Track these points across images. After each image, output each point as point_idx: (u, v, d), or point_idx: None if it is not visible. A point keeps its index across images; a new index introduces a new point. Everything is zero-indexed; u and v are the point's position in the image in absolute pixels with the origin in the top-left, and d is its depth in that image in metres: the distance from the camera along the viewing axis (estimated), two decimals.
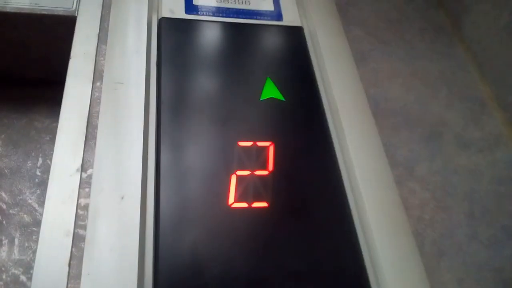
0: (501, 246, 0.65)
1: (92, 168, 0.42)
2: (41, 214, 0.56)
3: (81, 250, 0.38)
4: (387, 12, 0.93)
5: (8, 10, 0.55)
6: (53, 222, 0.40)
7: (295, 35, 0.59)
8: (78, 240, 0.39)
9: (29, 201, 0.58)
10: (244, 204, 0.44)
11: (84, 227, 0.39)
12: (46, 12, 0.56)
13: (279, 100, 0.52)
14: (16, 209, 0.57)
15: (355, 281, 0.42)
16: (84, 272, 0.37)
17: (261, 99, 0.51)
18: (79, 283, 0.37)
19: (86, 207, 0.41)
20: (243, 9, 0.59)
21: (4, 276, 0.52)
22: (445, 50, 0.89)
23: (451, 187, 0.70)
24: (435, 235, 0.64)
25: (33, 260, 0.52)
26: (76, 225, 0.40)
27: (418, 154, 0.73)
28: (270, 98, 0.52)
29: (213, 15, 0.57)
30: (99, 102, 0.47)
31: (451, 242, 0.64)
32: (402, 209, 0.47)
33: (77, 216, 0.40)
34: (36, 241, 0.55)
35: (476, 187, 0.71)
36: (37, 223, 0.56)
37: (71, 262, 0.38)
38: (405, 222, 0.46)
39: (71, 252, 0.38)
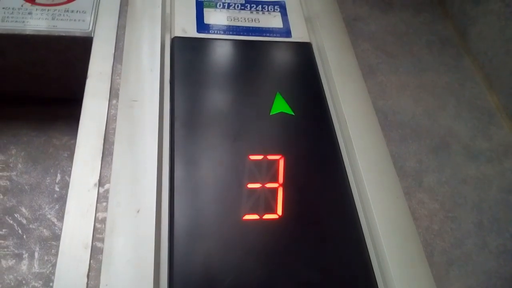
0: (510, 255, 0.65)
1: (109, 183, 0.44)
2: (60, 229, 0.58)
3: (99, 262, 0.39)
4: (394, 26, 0.94)
5: (27, 32, 0.57)
6: (72, 235, 0.41)
7: (303, 50, 0.60)
8: (96, 253, 0.40)
9: (48, 216, 0.59)
10: (255, 216, 0.45)
11: (101, 240, 0.41)
12: (63, 34, 0.58)
13: (289, 114, 0.53)
14: (35, 223, 0.59)
15: None
16: (102, 283, 0.38)
17: (271, 113, 0.52)
18: None
19: (103, 221, 0.42)
20: (252, 27, 0.61)
21: None
22: (452, 62, 0.89)
23: (460, 197, 0.70)
24: (445, 244, 0.64)
25: (53, 273, 0.54)
26: (94, 238, 0.41)
27: (426, 165, 0.73)
28: (280, 112, 0.53)
29: (224, 33, 0.59)
30: (115, 119, 0.48)
31: (460, 252, 0.64)
32: (411, 220, 0.47)
33: (95, 229, 0.41)
34: (55, 255, 0.56)
35: (485, 197, 0.70)
36: (56, 237, 0.57)
37: (90, 273, 0.39)
38: (414, 232, 0.47)
39: (90, 264, 0.39)
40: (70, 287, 0.38)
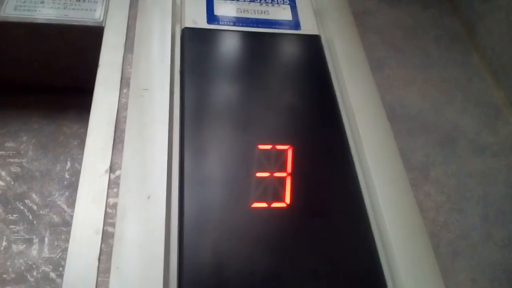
0: None
1: (120, 169, 0.44)
2: (70, 215, 0.58)
3: (110, 246, 0.40)
4: (403, 20, 0.94)
5: (39, 21, 0.58)
6: (84, 220, 0.41)
7: (312, 43, 0.60)
8: (107, 237, 0.41)
9: (58, 202, 0.60)
10: (263, 204, 0.45)
11: (112, 225, 0.41)
12: (75, 23, 0.58)
13: (297, 105, 0.53)
14: (46, 210, 0.59)
15: (371, 281, 0.43)
16: (113, 266, 0.39)
17: (279, 104, 0.53)
18: (108, 277, 0.38)
19: (114, 206, 0.42)
20: (262, 19, 0.61)
21: (35, 273, 0.54)
22: (459, 57, 0.89)
23: (466, 190, 0.70)
24: (450, 236, 0.65)
25: (62, 258, 0.55)
26: (105, 223, 0.42)
27: (433, 159, 0.73)
28: (288, 103, 0.53)
29: (234, 25, 0.59)
30: (126, 108, 0.49)
31: (465, 243, 0.64)
32: (418, 211, 0.48)
33: (106, 214, 0.42)
34: (65, 240, 0.57)
35: (491, 190, 0.71)
36: (66, 223, 0.58)
37: (101, 257, 0.40)
38: (420, 223, 0.47)
39: (101, 248, 0.40)
40: (82, 270, 0.39)
